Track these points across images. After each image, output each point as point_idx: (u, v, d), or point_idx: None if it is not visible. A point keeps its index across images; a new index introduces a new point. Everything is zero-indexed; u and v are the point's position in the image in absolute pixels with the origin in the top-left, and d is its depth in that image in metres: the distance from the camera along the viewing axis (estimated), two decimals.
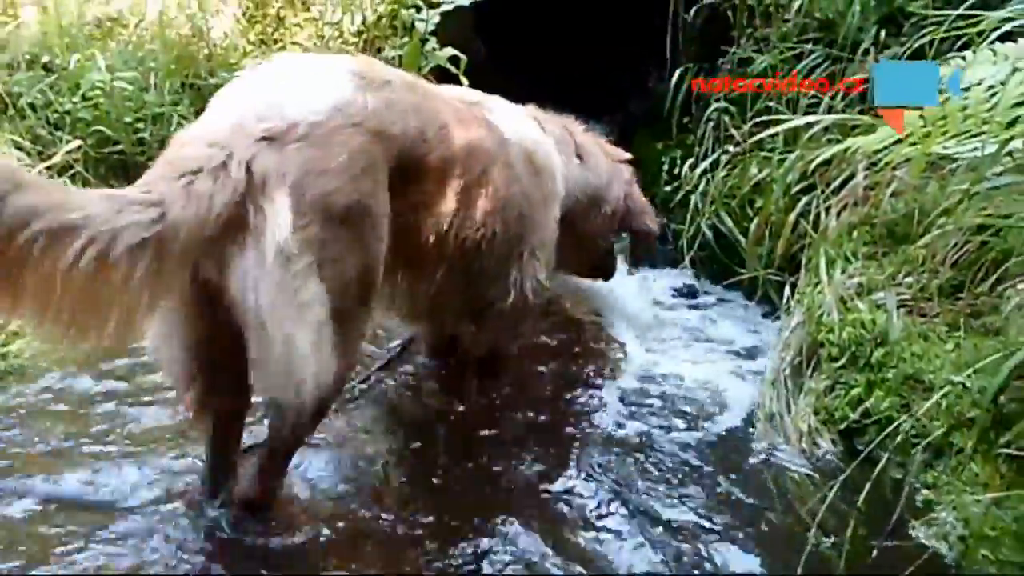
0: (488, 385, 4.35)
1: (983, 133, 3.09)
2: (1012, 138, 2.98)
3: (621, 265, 5.28)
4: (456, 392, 4.33)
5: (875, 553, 3.29)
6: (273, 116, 2.86)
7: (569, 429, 4.18)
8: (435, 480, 3.72)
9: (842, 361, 4.04)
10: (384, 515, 3.46)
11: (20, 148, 5.23)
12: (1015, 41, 3.37)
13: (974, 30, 3.74)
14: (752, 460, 3.97)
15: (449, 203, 3.53)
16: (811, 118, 4.49)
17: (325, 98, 2.99)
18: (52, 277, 2.43)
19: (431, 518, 3.46)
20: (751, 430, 4.20)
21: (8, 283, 2.43)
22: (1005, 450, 3.27)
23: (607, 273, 5.10)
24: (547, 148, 4.16)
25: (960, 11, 3.97)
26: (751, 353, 4.97)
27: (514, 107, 4.19)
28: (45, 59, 5.75)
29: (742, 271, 5.23)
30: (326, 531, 3.33)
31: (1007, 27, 3.55)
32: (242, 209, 2.73)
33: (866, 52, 5.09)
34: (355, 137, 2.97)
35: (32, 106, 5.43)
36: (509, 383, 4.44)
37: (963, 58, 3.50)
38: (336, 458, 3.75)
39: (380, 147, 3.07)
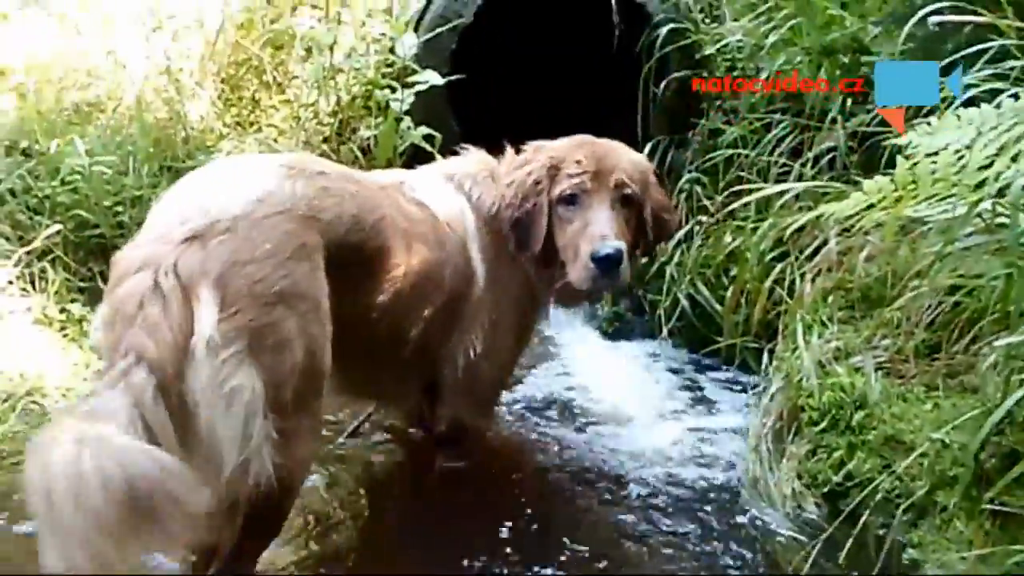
0: (453, 458, 4.26)
1: (952, 196, 3.17)
2: (980, 200, 3.06)
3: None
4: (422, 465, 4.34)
5: None
6: (196, 217, 2.90)
7: (540, 501, 4.17)
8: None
9: (823, 425, 4.08)
10: None
11: (0, 234, 5.25)
12: (978, 106, 3.47)
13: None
14: (738, 525, 3.98)
15: (390, 288, 3.54)
16: (783, 186, 4.60)
17: (249, 191, 3.02)
18: None
19: None
20: (736, 496, 4.21)
21: None
22: (988, 506, 3.29)
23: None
24: (466, 218, 4.03)
25: None
26: (731, 421, 4.98)
27: (432, 177, 4.13)
28: (24, 145, 5.76)
29: (720, 339, 5.28)
30: None
31: (970, 93, 3.66)
32: (186, 316, 2.77)
33: (833, 120, 5.20)
34: (282, 224, 3.00)
35: (12, 192, 5.45)
36: (476, 457, 4.33)
37: (928, 123, 3.59)
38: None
39: (312, 232, 3.10)
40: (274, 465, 2.91)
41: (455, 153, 4.41)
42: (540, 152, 4.12)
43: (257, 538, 3.22)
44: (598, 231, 3.86)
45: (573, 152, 4.04)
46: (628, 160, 4.07)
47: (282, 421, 2.93)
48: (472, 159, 4.28)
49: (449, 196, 4.04)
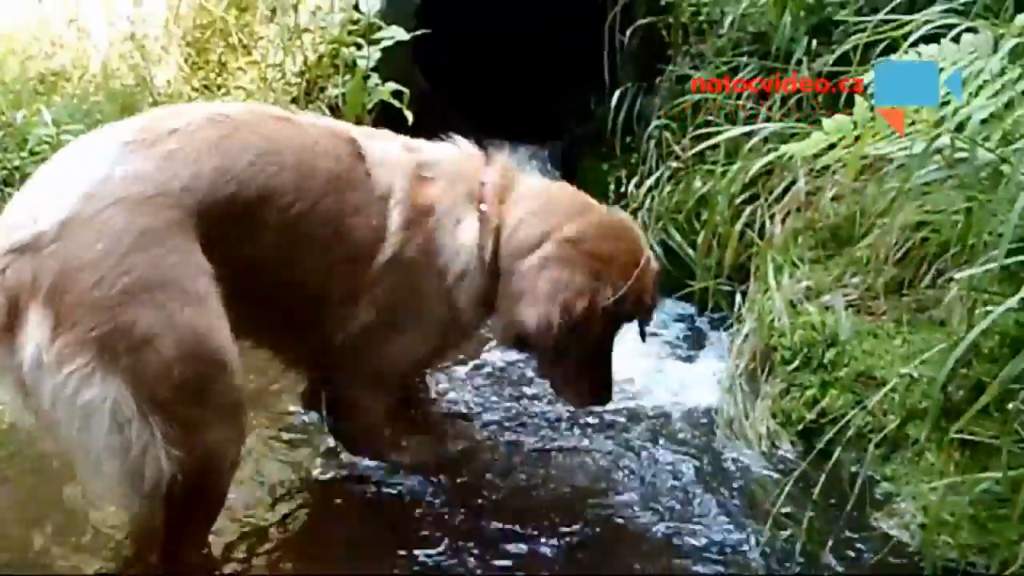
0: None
1: (911, 133, 3.20)
2: (938, 135, 3.09)
3: None
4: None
5: (840, 544, 3.38)
6: (24, 224, 2.69)
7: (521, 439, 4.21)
8: None
9: (795, 363, 4.12)
10: None
11: None
12: (938, 43, 3.49)
13: (899, 33, 3.87)
14: (712, 464, 4.05)
15: (279, 230, 3.17)
16: (749, 128, 4.62)
17: (76, 188, 2.74)
18: None
19: None
20: (711, 437, 4.27)
21: None
22: (957, 436, 3.35)
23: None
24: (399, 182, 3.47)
25: (881, 16, 4.10)
26: (704, 364, 5.05)
27: (394, 141, 3.64)
28: None
29: (692, 283, 5.32)
30: None
31: (927, 28, 3.68)
32: (10, 327, 2.64)
33: (799, 62, 5.21)
34: (116, 217, 2.70)
35: None
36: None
37: (889, 62, 3.62)
38: None
39: (161, 211, 2.79)
40: (184, 457, 2.77)
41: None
42: (580, 252, 3.54)
43: (192, 525, 3.08)
44: (606, 383, 3.81)
45: (615, 274, 3.55)
46: (652, 279, 3.77)
47: (175, 414, 2.75)
48: (450, 149, 3.73)
49: (399, 157, 3.54)
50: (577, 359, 3.60)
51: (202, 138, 3.00)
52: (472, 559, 3.39)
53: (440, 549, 3.43)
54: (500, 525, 3.58)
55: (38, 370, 2.62)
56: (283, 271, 3.24)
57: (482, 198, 3.58)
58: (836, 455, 3.54)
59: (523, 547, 3.46)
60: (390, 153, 3.51)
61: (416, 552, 3.39)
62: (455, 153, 3.70)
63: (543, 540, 3.50)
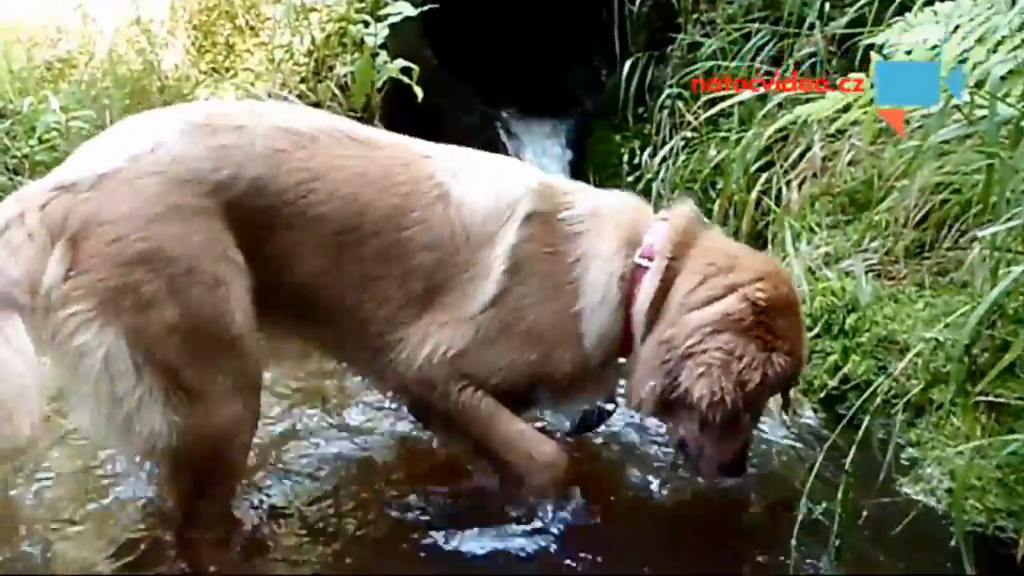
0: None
1: None
2: None
3: None
4: None
5: (867, 512, 3.32)
6: (74, 166, 2.83)
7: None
8: None
9: (816, 330, 4.09)
10: None
11: None
12: (954, 0, 3.44)
13: None
14: None
15: (321, 260, 3.07)
16: (760, 91, 4.57)
17: (127, 148, 2.85)
18: None
19: None
20: None
21: None
22: (982, 399, 3.31)
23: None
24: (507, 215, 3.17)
25: None
26: None
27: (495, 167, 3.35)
28: None
29: None
30: None
31: None
32: (43, 258, 2.69)
33: (811, 26, 5.16)
34: (151, 186, 2.78)
35: None
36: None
37: (905, 20, 3.56)
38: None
39: (195, 196, 2.84)
40: (189, 429, 2.84)
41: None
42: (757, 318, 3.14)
43: (206, 496, 3.07)
44: (744, 457, 3.38)
45: (785, 348, 3.16)
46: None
47: (175, 381, 2.82)
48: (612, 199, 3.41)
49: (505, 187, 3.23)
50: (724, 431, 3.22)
51: (260, 145, 2.98)
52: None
53: None
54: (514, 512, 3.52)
55: (46, 304, 2.70)
56: (326, 288, 3.13)
57: (641, 244, 3.23)
58: (864, 424, 3.48)
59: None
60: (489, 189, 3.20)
61: None
62: (609, 203, 3.35)
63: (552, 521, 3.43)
